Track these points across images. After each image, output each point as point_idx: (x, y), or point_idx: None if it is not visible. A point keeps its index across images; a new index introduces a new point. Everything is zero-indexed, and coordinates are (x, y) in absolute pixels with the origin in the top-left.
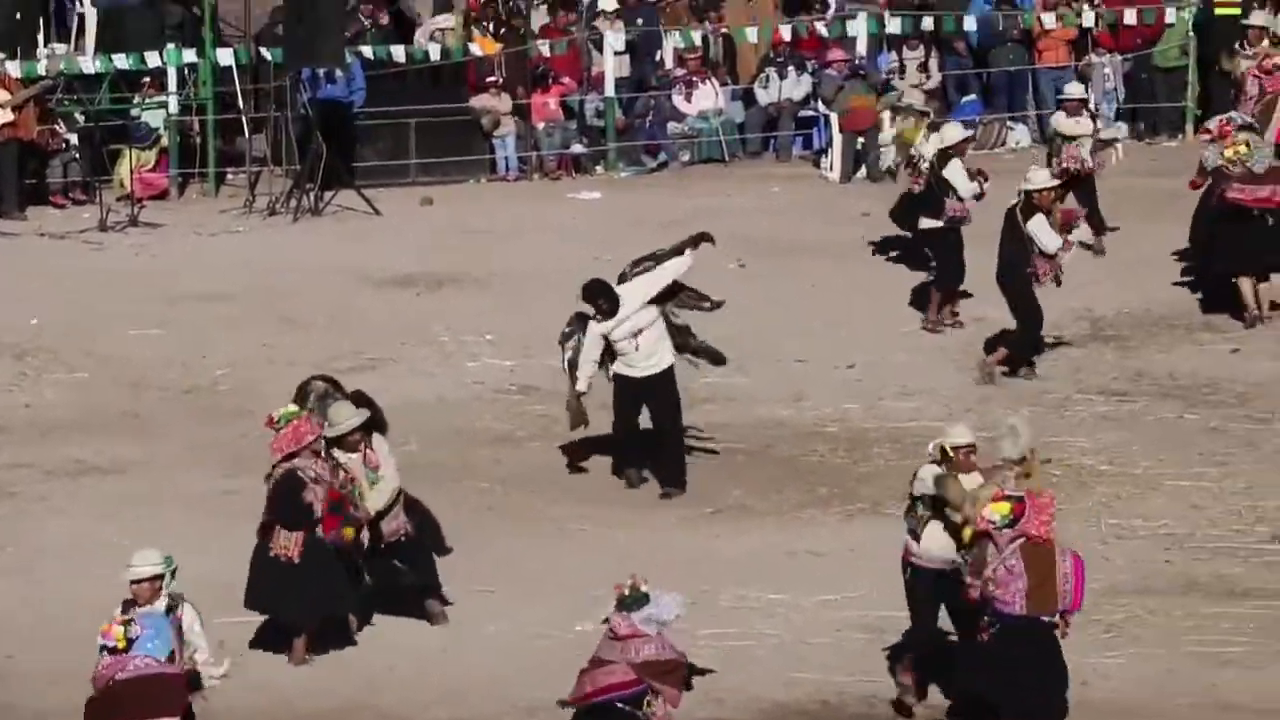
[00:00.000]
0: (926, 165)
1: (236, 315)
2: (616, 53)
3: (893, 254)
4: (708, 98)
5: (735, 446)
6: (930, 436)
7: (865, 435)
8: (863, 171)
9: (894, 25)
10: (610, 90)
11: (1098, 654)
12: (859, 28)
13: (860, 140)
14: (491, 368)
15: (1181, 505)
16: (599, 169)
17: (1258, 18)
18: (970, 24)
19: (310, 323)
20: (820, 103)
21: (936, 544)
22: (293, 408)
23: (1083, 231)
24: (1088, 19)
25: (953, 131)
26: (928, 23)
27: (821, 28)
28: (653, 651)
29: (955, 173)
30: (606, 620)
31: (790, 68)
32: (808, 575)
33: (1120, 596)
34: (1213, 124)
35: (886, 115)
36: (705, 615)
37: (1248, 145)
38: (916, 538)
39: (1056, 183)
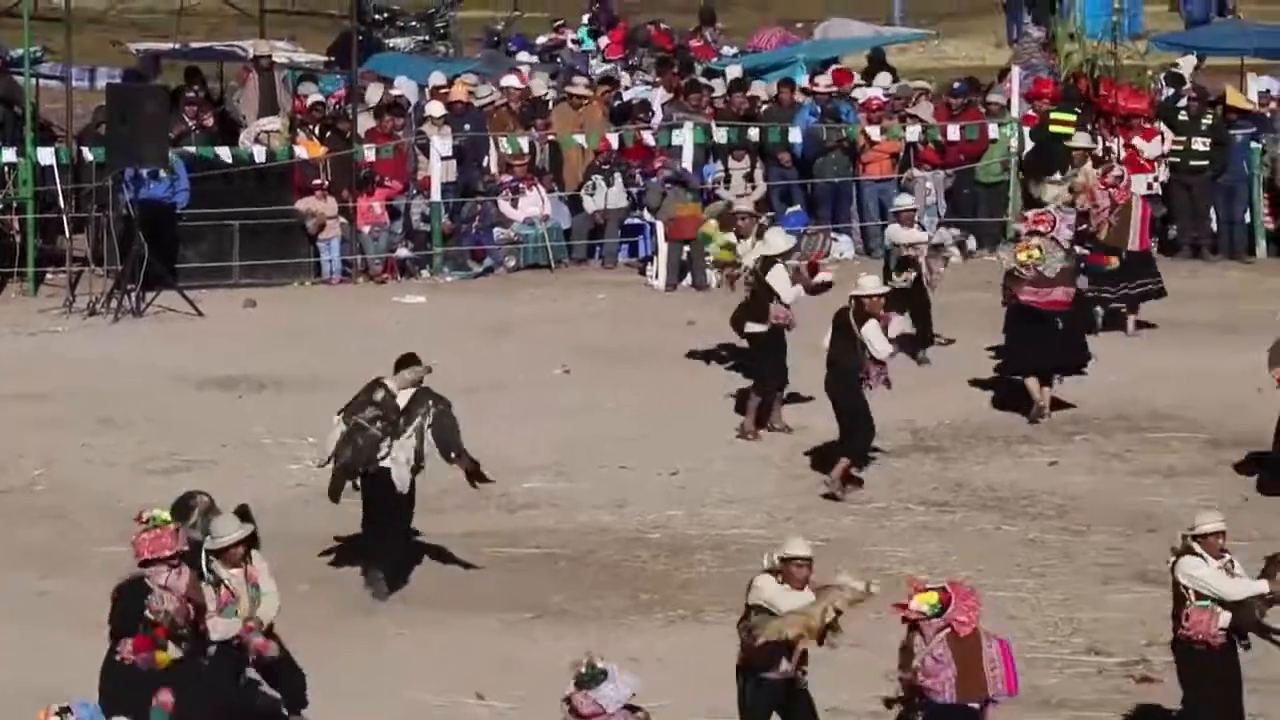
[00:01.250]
0: (750, 273)
1: (54, 415)
2: (443, 157)
3: (717, 362)
4: (534, 204)
5: (558, 551)
6: (752, 544)
7: (688, 542)
8: (688, 279)
9: (720, 135)
10: (436, 195)
11: None
12: (685, 137)
13: (685, 249)
14: (313, 470)
15: (999, 616)
16: (424, 273)
17: (1081, 140)
18: (795, 135)
19: (129, 423)
20: (646, 211)
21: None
22: (163, 514)
23: (901, 322)
24: (912, 133)
25: (777, 240)
26: (753, 133)
27: (648, 136)
28: None
29: (778, 278)
30: (567, 700)
31: (616, 175)
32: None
33: None
34: (1030, 213)
35: (712, 224)
36: None
37: (1040, 249)
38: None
39: (886, 289)
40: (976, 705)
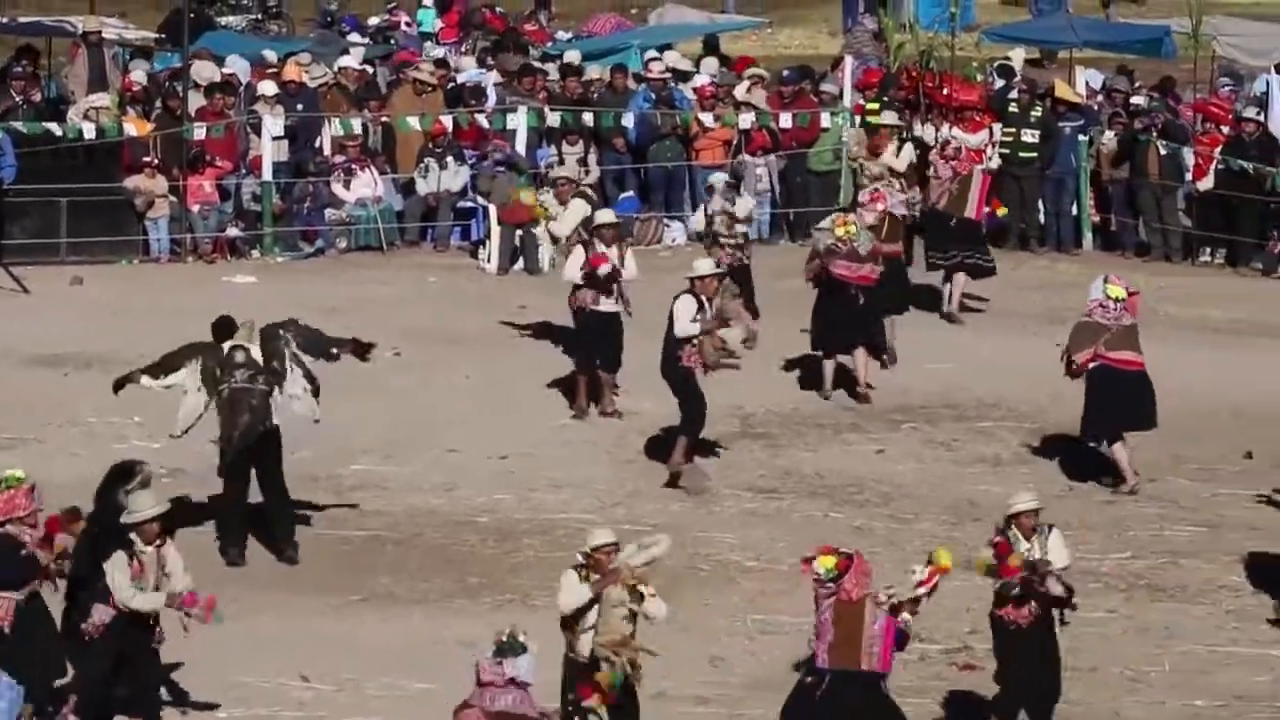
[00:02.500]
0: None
1: None
2: (275, 137)
3: (549, 346)
4: (366, 185)
5: (385, 534)
6: (581, 529)
7: (516, 526)
8: (520, 264)
9: (554, 119)
10: (268, 175)
11: None
12: (519, 121)
13: (518, 232)
14: (139, 450)
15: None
16: (255, 253)
17: (888, 117)
18: (629, 121)
19: None
20: (479, 194)
21: (588, 642)
22: (15, 474)
23: (733, 335)
24: (745, 120)
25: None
26: (587, 118)
27: (482, 119)
28: (509, 703)
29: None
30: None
31: (449, 158)
32: (454, 665)
33: (765, 691)
34: (864, 195)
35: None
36: (351, 704)
37: (855, 226)
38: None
39: (720, 270)
40: (869, 677)
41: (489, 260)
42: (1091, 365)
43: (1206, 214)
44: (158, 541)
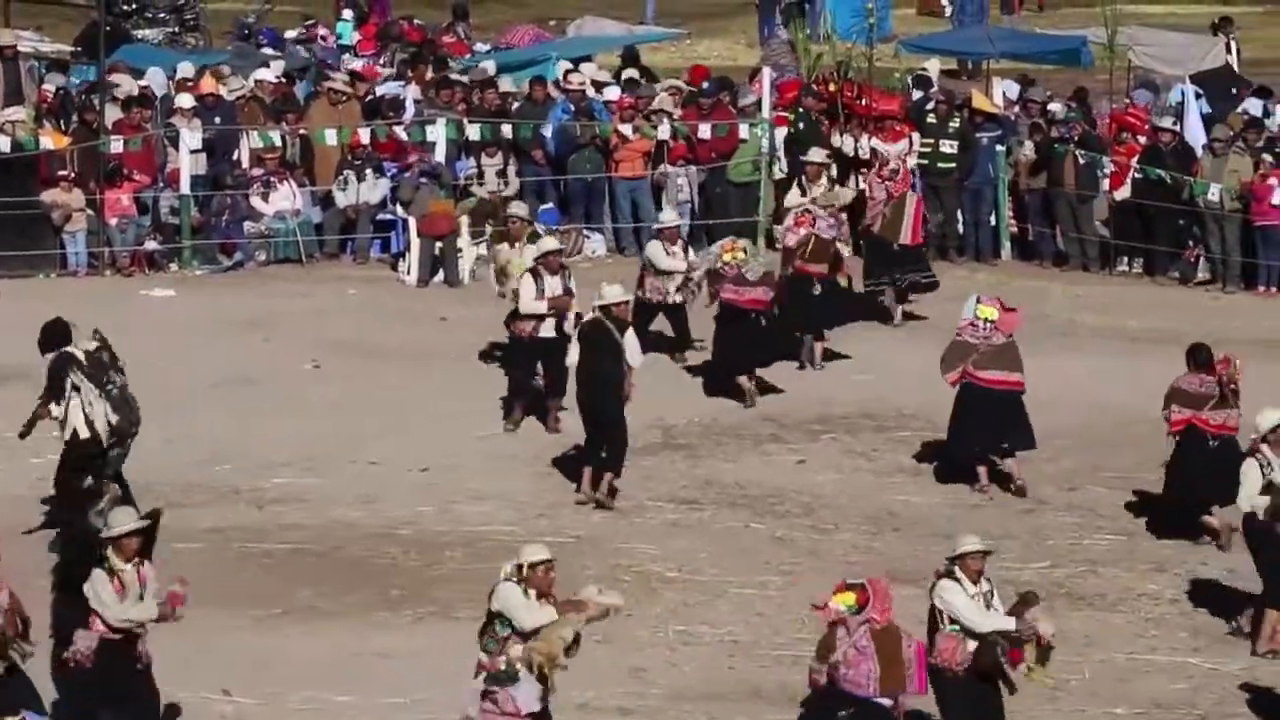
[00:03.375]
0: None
1: None
2: (192, 150)
3: (469, 359)
4: (285, 198)
5: (307, 547)
6: (502, 541)
7: (438, 538)
8: (440, 276)
9: (473, 131)
10: (186, 188)
11: None
12: (438, 133)
13: (438, 245)
14: (56, 464)
15: (747, 613)
16: (173, 266)
17: (816, 154)
18: (548, 132)
19: None
20: (398, 206)
21: None
22: None
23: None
24: (663, 132)
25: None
26: (506, 130)
27: (401, 132)
28: None
29: (631, 341)
30: (487, 693)
31: (368, 170)
32: (376, 678)
33: (686, 702)
34: (789, 220)
35: (465, 220)
36: (274, 718)
37: (745, 251)
38: (490, 654)
39: (629, 297)
40: (890, 702)
41: (409, 272)
42: (960, 384)
43: (1124, 223)
44: (136, 559)
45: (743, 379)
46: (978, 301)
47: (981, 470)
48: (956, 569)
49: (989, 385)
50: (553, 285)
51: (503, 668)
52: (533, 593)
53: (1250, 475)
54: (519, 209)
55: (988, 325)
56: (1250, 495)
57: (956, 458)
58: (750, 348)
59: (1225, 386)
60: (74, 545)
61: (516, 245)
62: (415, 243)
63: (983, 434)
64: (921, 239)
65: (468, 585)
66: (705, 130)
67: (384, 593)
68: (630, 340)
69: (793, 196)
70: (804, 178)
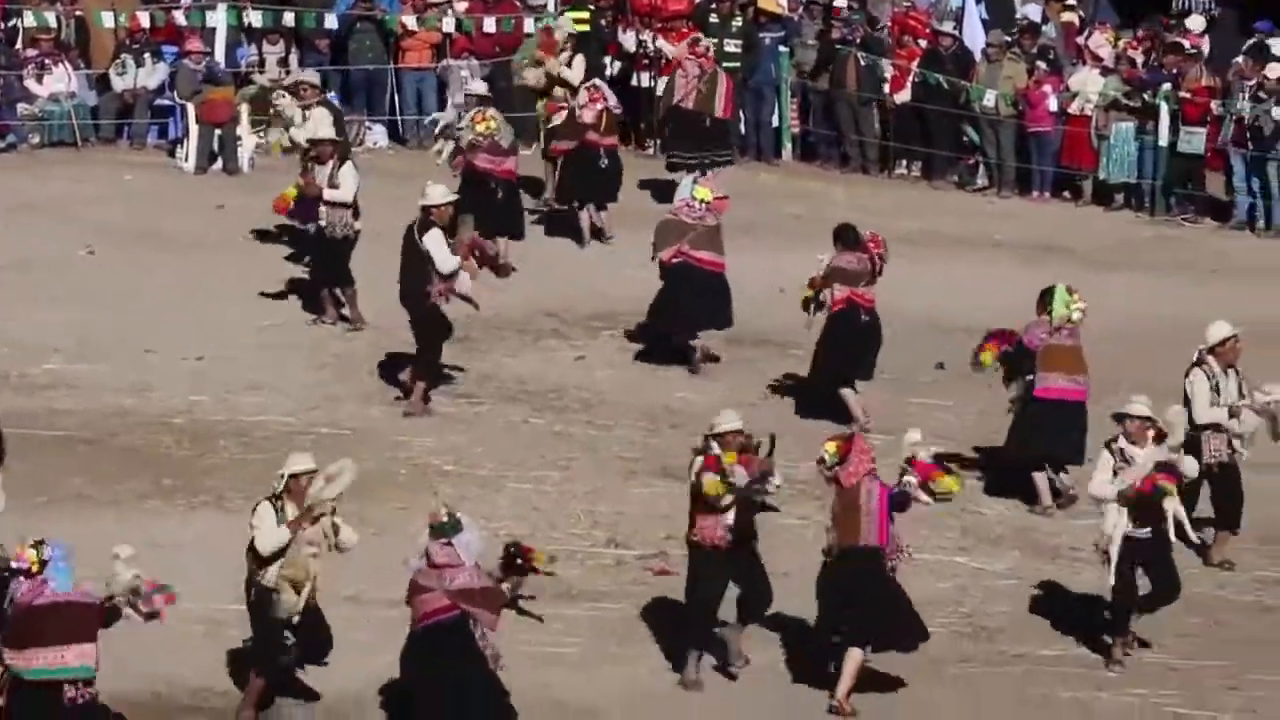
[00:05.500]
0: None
1: None
2: None
3: (246, 247)
4: (60, 80)
5: (77, 435)
6: (277, 432)
7: (212, 428)
8: (219, 164)
9: (255, 18)
10: None
11: None
12: (219, 19)
13: (217, 132)
14: None
15: (523, 507)
16: None
17: (565, 23)
18: (332, 22)
19: None
20: (176, 93)
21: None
22: None
23: (464, 283)
24: (448, 24)
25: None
26: (289, 18)
27: (180, 17)
28: (466, 580)
29: (435, 242)
30: (425, 553)
31: (147, 55)
32: (148, 567)
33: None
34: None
35: (245, 108)
36: None
37: (495, 121)
38: None
39: (454, 197)
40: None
41: (187, 159)
42: (675, 261)
43: (904, 127)
44: None
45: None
46: (694, 183)
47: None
48: (715, 445)
49: (702, 265)
50: (322, 174)
51: (444, 519)
52: (291, 506)
53: (1199, 387)
54: (311, 76)
55: (703, 206)
56: (1202, 408)
57: (666, 332)
58: (494, 216)
59: (877, 263)
60: None
61: (305, 112)
62: (194, 129)
63: (693, 312)
64: (733, 114)
65: (241, 475)
66: (490, 23)
67: (156, 481)
68: (432, 241)
69: (530, 73)
70: (538, 50)
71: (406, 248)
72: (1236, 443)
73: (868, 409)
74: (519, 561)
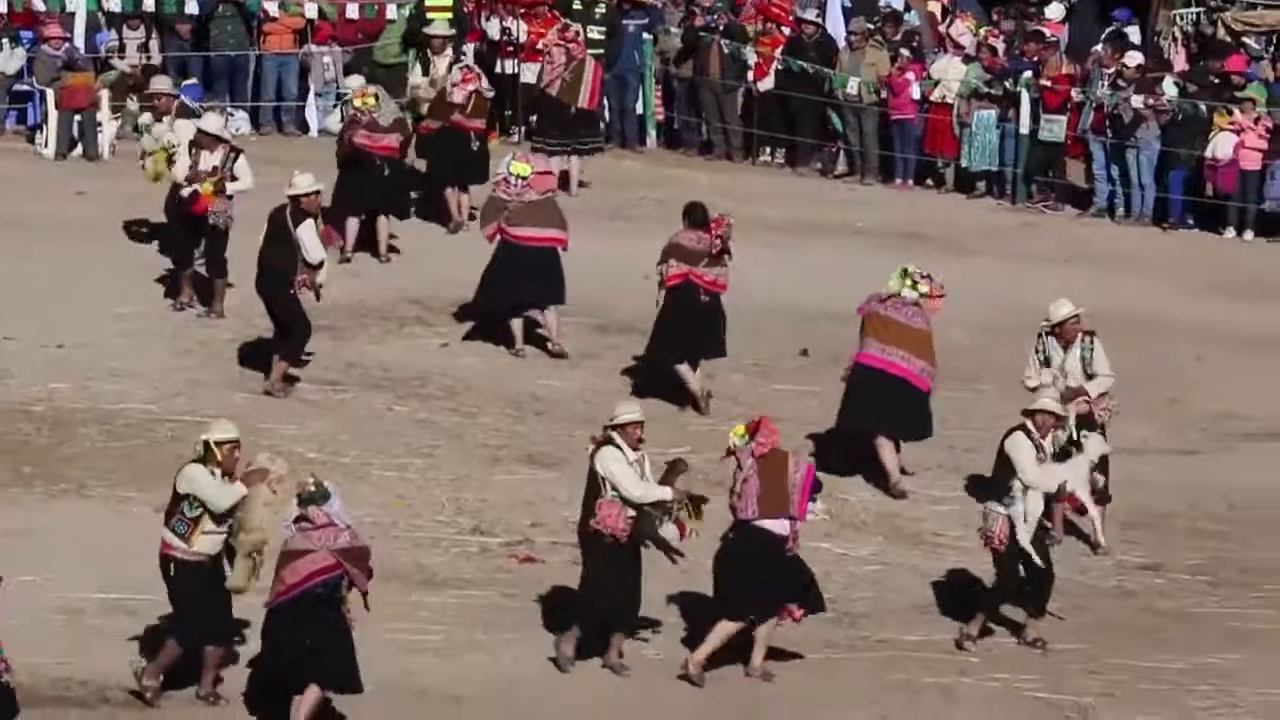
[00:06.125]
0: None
1: None
2: None
3: (107, 233)
4: None
5: None
6: (139, 419)
7: (72, 415)
8: (79, 150)
9: (114, 3)
10: None
11: None
12: (78, 4)
13: (77, 118)
14: None
15: (387, 495)
16: None
17: (439, 28)
18: (193, 6)
19: None
20: (35, 79)
21: (210, 542)
22: None
23: (322, 273)
24: (310, 9)
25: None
26: (149, 3)
27: (39, 2)
28: (348, 540)
29: (308, 233)
30: (298, 520)
31: (4, 40)
32: (7, 555)
33: None
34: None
35: (105, 94)
36: None
37: (376, 98)
38: (181, 536)
39: (320, 187)
40: (776, 526)
41: (46, 145)
42: (497, 239)
43: (767, 114)
44: None
45: (352, 221)
46: (512, 158)
47: (515, 327)
48: (616, 436)
49: (519, 240)
50: (209, 160)
51: (312, 488)
52: (218, 472)
53: (1030, 359)
54: (161, 83)
55: (520, 182)
56: (1035, 373)
57: (491, 309)
58: (371, 193)
59: (718, 244)
60: None
61: (165, 120)
62: (53, 115)
63: (516, 287)
64: (598, 104)
65: (102, 462)
66: (353, 10)
67: (16, 469)
68: (306, 232)
69: (415, 75)
70: (429, 51)
71: (272, 234)
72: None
73: (708, 390)
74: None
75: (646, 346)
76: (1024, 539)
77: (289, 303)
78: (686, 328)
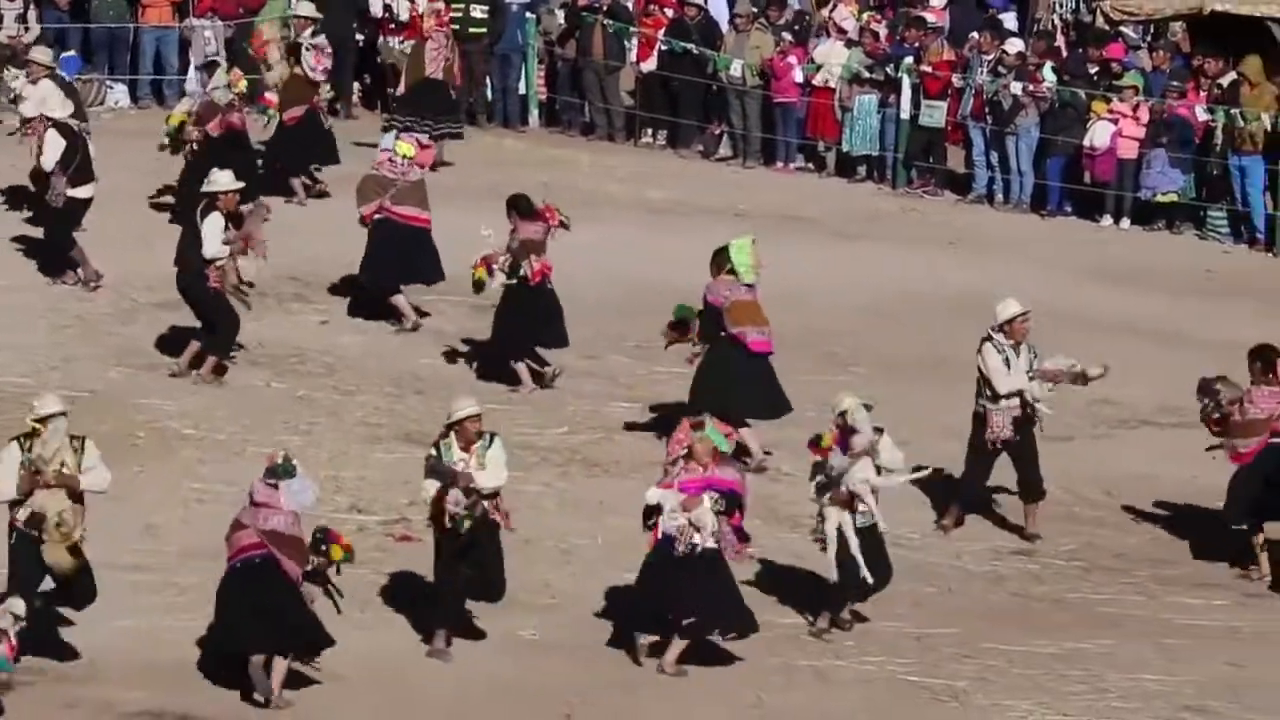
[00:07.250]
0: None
1: None
2: None
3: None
4: None
5: None
6: (13, 393)
7: None
8: None
9: None
10: None
11: (173, 616)
12: None
13: None
14: None
15: (258, 470)
16: None
17: (305, 9)
18: None
19: None
20: None
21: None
22: None
23: (248, 268)
24: None
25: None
26: None
27: None
28: (280, 524)
29: (211, 227)
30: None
31: None
32: None
33: (200, 559)
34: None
35: None
36: None
37: (246, 81)
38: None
39: (240, 185)
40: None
41: None
42: (377, 217)
43: (650, 95)
44: None
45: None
46: (397, 138)
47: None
48: (453, 434)
49: (405, 220)
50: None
51: (279, 462)
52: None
53: (992, 362)
54: (41, 55)
55: (405, 161)
56: (1000, 379)
57: (371, 289)
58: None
59: (558, 227)
60: None
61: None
62: None
63: (395, 267)
64: (461, 81)
65: None
66: None
67: None
68: (209, 226)
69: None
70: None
71: (185, 229)
72: (1041, 406)
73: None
74: (322, 547)
75: (495, 338)
76: (854, 547)
77: (207, 296)
78: (540, 319)
